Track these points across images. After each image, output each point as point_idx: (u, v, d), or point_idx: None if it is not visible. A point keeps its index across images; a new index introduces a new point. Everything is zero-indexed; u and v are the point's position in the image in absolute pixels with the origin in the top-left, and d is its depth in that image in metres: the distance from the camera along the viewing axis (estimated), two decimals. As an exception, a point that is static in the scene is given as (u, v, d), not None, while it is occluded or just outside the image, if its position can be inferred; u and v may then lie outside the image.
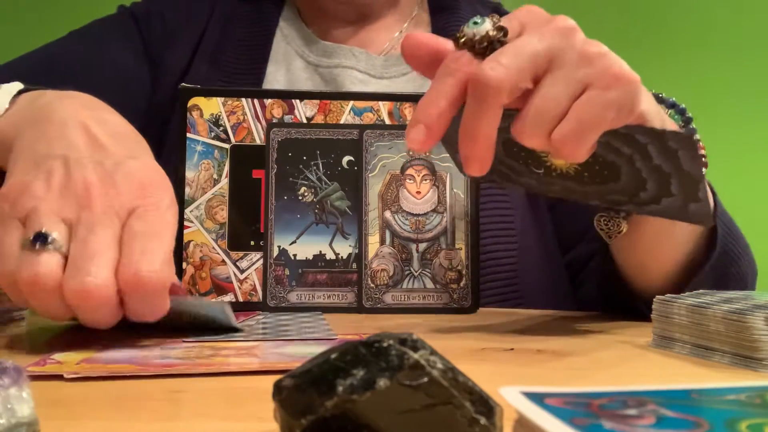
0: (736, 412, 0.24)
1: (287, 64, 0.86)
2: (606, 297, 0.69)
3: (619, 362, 0.46)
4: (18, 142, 0.50)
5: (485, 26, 0.46)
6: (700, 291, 0.51)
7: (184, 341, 0.47)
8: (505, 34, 0.46)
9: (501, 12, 0.91)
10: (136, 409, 0.32)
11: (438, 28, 0.89)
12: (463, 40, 0.46)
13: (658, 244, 0.61)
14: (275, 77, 0.85)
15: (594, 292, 0.72)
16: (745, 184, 1.43)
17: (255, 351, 0.44)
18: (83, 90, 0.56)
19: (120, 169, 0.47)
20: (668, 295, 0.49)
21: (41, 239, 0.43)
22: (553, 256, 0.80)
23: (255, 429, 0.29)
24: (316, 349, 0.44)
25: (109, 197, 0.45)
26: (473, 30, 0.46)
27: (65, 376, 0.37)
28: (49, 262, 0.43)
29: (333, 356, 0.25)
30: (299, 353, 0.43)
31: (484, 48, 0.45)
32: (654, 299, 0.49)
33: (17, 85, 0.56)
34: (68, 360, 0.41)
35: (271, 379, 0.26)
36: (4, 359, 0.25)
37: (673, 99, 0.55)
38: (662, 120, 0.50)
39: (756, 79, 1.52)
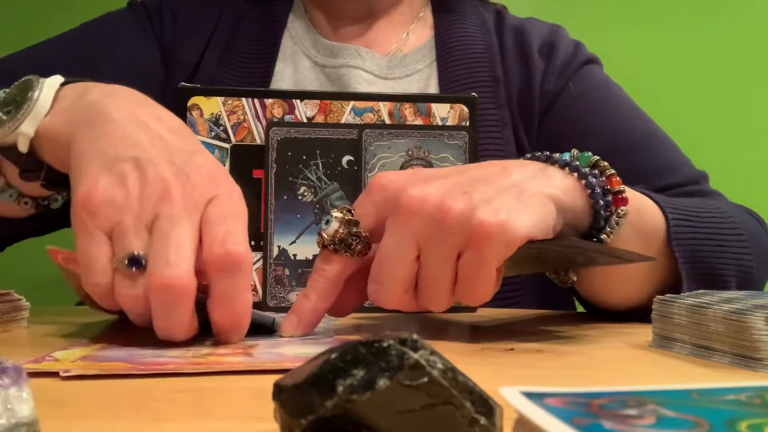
0: (736, 412, 0.24)
1: (295, 63, 0.87)
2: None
3: (619, 362, 0.46)
4: (77, 142, 0.49)
5: (333, 226, 0.50)
6: (700, 291, 0.51)
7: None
8: (356, 225, 0.50)
9: (504, 17, 0.91)
10: (136, 409, 0.32)
11: (440, 28, 0.89)
12: (322, 243, 0.51)
13: (613, 283, 0.62)
14: (282, 77, 0.85)
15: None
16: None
17: (251, 350, 0.44)
18: (100, 80, 0.56)
19: (190, 164, 0.48)
20: (668, 295, 0.49)
21: (136, 263, 0.44)
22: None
23: (255, 429, 0.29)
24: (314, 349, 0.44)
25: (187, 192, 0.46)
26: (325, 232, 0.50)
27: (61, 374, 0.37)
28: (144, 282, 0.44)
29: (333, 356, 0.25)
30: (295, 353, 0.43)
31: (343, 246, 0.50)
32: (654, 299, 0.49)
33: (59, 79, 0.55)
34: (66, 357, 0.41)
35: (271, 379, 0.26)
36: (4, 359, 0.25)
37: (570, 155, 0.54)
38: (551, 225, 0.50)
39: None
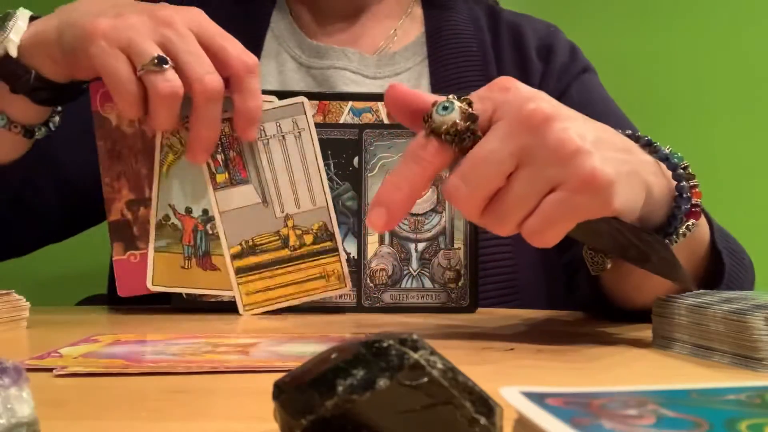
0: (736, 412, 0.24)
1: (279, 65, 0.85)
2: (600, 305, 0.67)
3: (619, 362, 0.46)
4: (64, 23, 0.59)
5: (453, 115, 0.45)
6: (700, 291, 0.51)
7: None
8: (475, 120, 0.45)
9: (498, 13, 0.89)
10: (136, 409, 0.32)
11: (431, 25, 0.87)
12: (432, 128, 0.45)
13: (647, 282, 0.58)
14: (267, 79, 0.83)
15: (588, 297, 0.71)
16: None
17: (250, 349, 0.44)
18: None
19: (170, 5, 0.59)
20: (668, 295, 0.49)
21: (163, 61, 0.55)
22: (551, 257, 0.79)
23: (255, 429, 0.29)
24: (312, 348, 0.44)
25: (181, 16, 0.58)
26: (442, 118, 0.45)
27: (54, 372, 0.37)
28: (175, 76, 0.56)
29: (333, 356, 0.25)
30: (293, 352, 0.43)
31: (453, 138, 0.45)
32: (654, 299, 0.49)
33: (28, 12, 0.62)
34: (69, 354, 0.42)
35: (271, 379, 0.26)
36: (4, 359, 0.25)
37: (668, 150, 0.52)
38: (638, 210, 0.48)
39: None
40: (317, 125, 0.67)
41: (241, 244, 0.63)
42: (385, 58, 0.85)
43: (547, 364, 0.44)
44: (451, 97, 0.46)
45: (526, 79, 0.83)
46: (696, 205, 0.52)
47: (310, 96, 0.69)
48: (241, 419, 0.31)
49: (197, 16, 0.59)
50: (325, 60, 0.84)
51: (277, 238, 0.63)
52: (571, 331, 0.57)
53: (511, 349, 0.47)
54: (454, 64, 0.84)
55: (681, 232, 0.51)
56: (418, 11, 0.90)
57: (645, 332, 0.51)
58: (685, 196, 0.51)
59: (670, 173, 0.51)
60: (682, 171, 0.51)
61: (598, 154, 0.43)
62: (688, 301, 0.46)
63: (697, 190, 0.52)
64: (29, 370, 0.31)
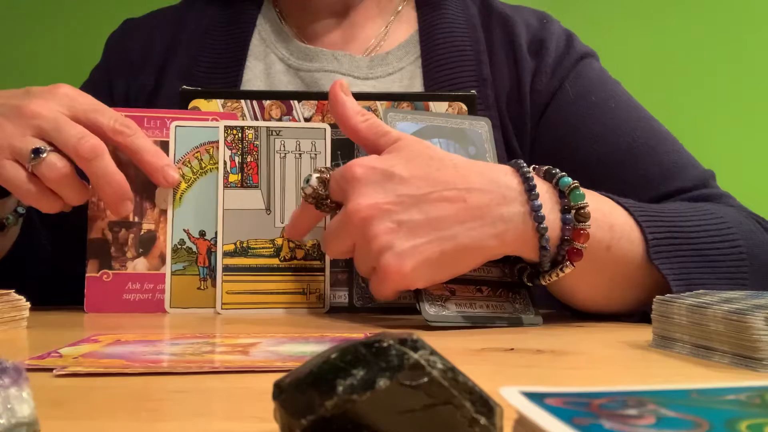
0: (736, 412, 0.24)
1: (267, 67, 0.84)
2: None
3: (619, 362, 0.46)
4: None
5: (307, 190, 0.59)
6: (700, 291, 0.51)
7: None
8: (326, 198, 0.59)
9: (490, 5, 0.88)
10: (136, 409, 0.32)
11: (424, 24, 0.86)
12: (302, 196, 0.60)
13: (579, 289, 0.62)
14: (254, 84, 0.83)
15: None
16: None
17: (250, 349, 0.44)
18: None
19: (31, 90, 0.62)
20: (668, 295, 0.49)
21: (37, 152, 0.59)
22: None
23: (255, 429, 0.29)
24: (312, 348, 0.44)
25: (46, 102, 0.61)
26: (304, 189, 0.59)
27: (54, 372, 0.37)
28: (57, 158, 0.60)
29: (333, 356, 0.25)
30: (293, 352, 0.43)
31: (316, 203, 0.59)
32: (654, 299, 0.49)
33: None
34: (70, 354, 0.41)
35: (271, 379, 0.26)
36: (5, 359, 0.25)
37: (545, 199, 0.56)
38: (461, 273, 0.57)
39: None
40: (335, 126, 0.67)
41: (235, 244, 0.65)
42: (378, 58, 0.84)
43: (547, 364, 0.43)
44: (314, 171, 0.59)
45: (518, 77, 0.82)
46: (578, 249, 0.56)
47: (310, 96, 0.69)
48: (241, 419, 0.31)
49: (63, 98, 0.62)
50: (314, 63, 0.84)
51: (271, 246, 0.66)
52: (571, 331, 0.57)
53: (511, 349, 0.47)
54: (447, 65, 0.82)
55: (555, 273, 0.57)
56: (408, 10, 0.89)
57: (645, 332, 0.51)
58: (547, 249, 0.56)
59: (535, 225, 0.56)
60: (544, 226, 0.55)
61: (394, 245, 0.54)
62: (688, 301, 0.46)
63: (584, 232, 0.56)
64: (29, 370, 0.31)
